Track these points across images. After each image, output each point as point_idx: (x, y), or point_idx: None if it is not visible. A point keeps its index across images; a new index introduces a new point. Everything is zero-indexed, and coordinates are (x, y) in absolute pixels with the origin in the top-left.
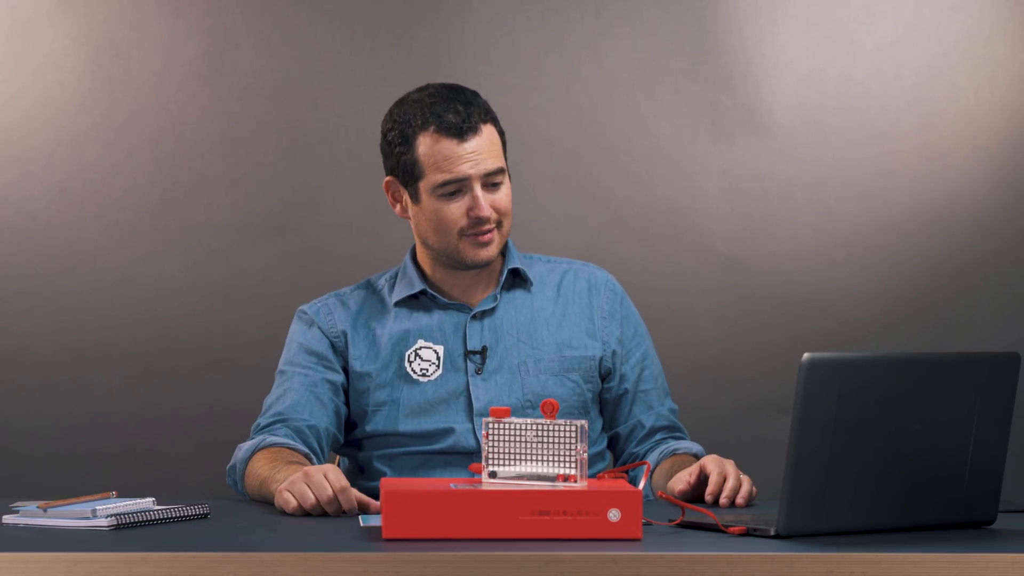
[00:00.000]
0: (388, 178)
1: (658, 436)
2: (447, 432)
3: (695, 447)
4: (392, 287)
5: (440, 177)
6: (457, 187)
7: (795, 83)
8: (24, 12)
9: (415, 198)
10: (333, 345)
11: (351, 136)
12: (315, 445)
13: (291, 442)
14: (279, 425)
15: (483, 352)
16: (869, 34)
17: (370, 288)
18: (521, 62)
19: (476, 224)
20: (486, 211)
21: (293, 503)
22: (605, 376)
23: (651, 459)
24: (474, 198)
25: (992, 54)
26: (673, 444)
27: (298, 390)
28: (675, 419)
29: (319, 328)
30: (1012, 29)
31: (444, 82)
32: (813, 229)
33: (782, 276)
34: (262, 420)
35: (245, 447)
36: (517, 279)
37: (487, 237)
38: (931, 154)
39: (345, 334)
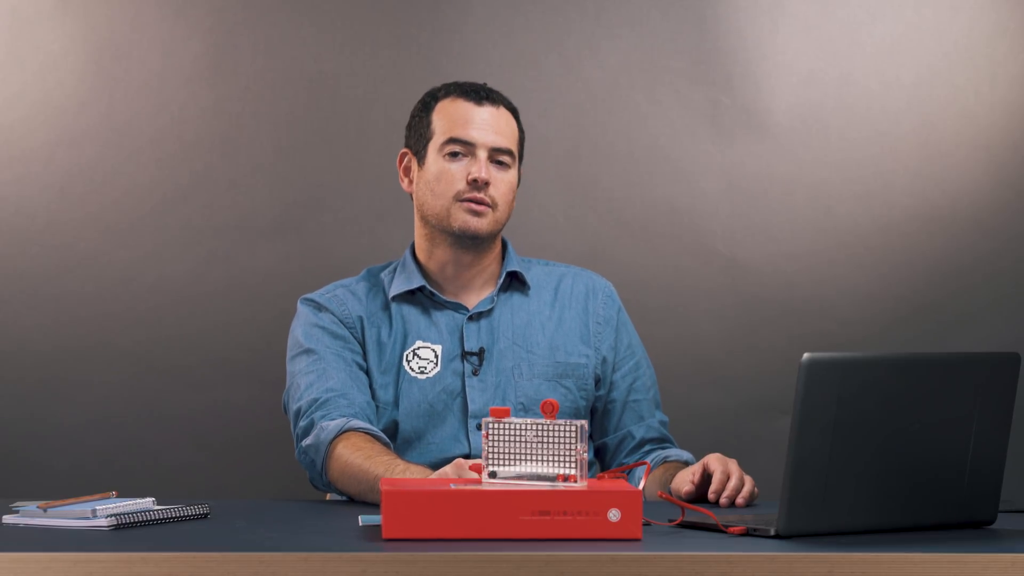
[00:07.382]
0: (403, 150)
1: (647, 447)
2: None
3: (685, 455)
4: (391, 281)
5: (449, 135)
6: (463, 149)
7: (795, 83)
8: (24, 12)
9: (421, 161)
10: (351, 331)
11: (351, 136)
12: (378, 428)
13: (374, 428)
14: (340, 400)
15: (480, 353)
16: (869, 34)
17: (372, 280)
18: (521, 62)
19: (473, 189)
20: (485, 174)
21: None
22: (596, 383)
23: None
24: (476, 162)
25: (992, 54)
26: (663, 453)
27: (339, 368)
28: (665, 431)
29: (332, 314)
30: (1012, 29)
31: None
32: (813, 229)
33: (782, 276)
34: (316, 393)
35: (329, 427)
36: (514, 282)
37: (481, 208)
38: (931, 154)
39: (361, 320)
